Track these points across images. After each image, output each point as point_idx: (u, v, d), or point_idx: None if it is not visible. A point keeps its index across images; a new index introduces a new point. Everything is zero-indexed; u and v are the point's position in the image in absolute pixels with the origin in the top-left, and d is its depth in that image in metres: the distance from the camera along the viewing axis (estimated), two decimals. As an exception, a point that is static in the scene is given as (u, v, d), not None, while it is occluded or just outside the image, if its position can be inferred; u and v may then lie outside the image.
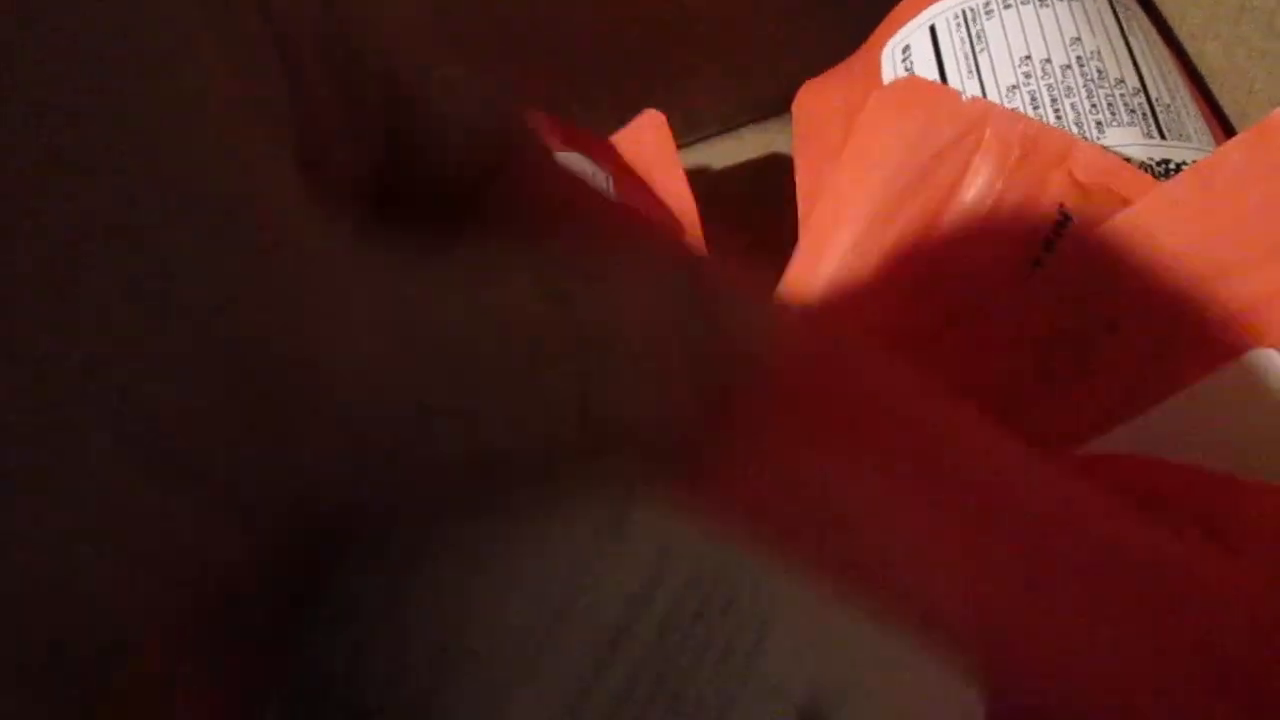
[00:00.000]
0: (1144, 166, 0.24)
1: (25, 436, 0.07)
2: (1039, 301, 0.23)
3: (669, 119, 0.32)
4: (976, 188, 0.25)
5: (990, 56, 0.26)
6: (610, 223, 0.13)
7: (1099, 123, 0.25)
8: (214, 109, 0.08)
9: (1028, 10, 0.26)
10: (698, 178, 0.31)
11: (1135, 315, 0.22)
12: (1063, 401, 0.22)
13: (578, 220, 0.12)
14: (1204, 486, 0.19)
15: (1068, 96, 0.25)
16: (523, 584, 0.09)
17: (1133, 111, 0.25)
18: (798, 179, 0.30)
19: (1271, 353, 0.19)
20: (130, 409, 0.07)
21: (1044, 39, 0.26)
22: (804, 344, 0.13)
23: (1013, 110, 0.25)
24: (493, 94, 0.12)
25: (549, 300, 0.09)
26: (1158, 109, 0.25)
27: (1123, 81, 0.26)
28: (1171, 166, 0.24)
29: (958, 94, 0.25)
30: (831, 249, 0.26)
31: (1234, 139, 0.22)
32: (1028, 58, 0.26)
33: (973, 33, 0.27)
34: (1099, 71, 0.26)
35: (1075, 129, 0.25)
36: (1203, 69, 0.29)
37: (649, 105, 0.32)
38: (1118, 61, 0.26)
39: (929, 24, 0.27)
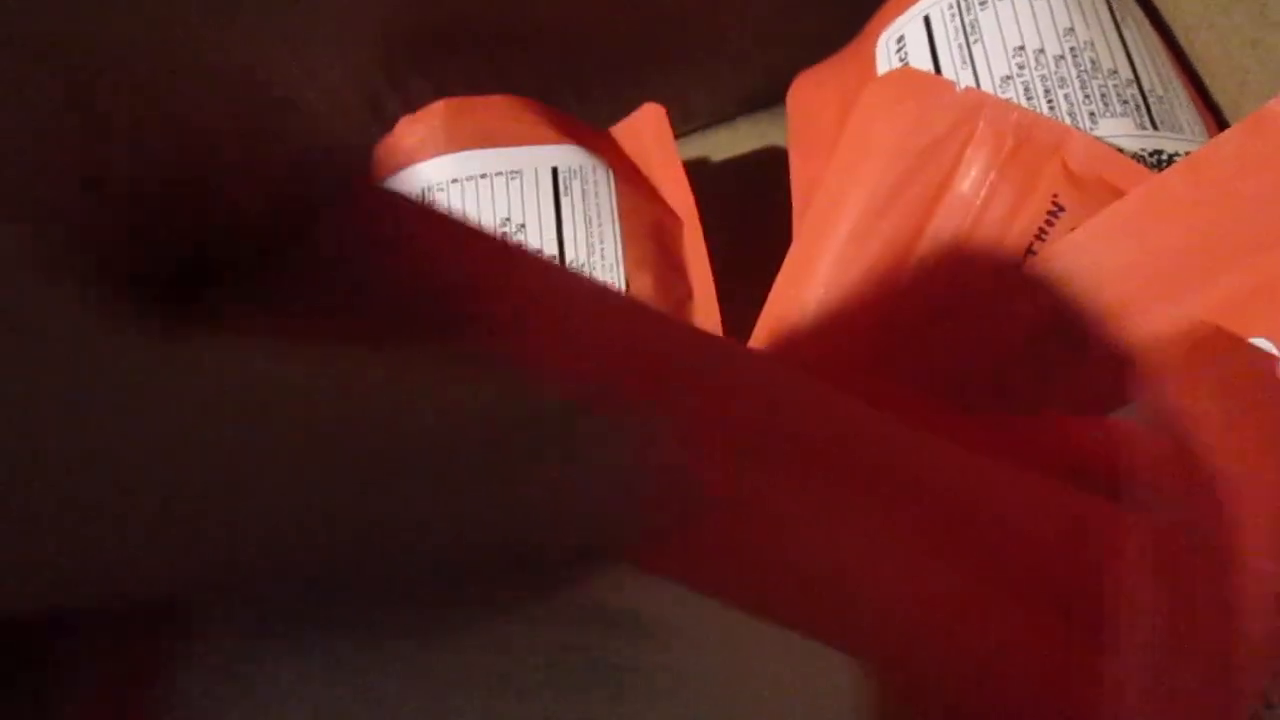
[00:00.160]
0: (1137, 157, 0.24)
1: None
2: (1030, 291, 0.23)
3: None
4: (970, 178, 0.25)
5: (984, 47, 0.26)
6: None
7: (1092, 113, 0.25)
8: None
9: (1021, 1, 0.26)
10: (692, 169, 0.31)
11: (1127, 305, 0.22)
12: (1055, 389, 0.22)
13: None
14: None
15: (1061, 87, 0.25)
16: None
17: (1125, 102, 0.25)
18: (792, 170, 0.30)
19: (1264, 342, 0.20)
20: None
21: (1037, 30, 0.26)
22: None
23: (1006, 100, 0.25)
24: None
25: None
26: (1150, 100, 0.26)
27: (1116, 72, 0.26)
28: (1164, 157, 0.24)
29: (952, 85, 0.25)
30: (827, 240, 0.26)
31: (1227, 130, 0.23)
32: (1021, 48, 0.26)
33: (966, 23, 0.27)
34: (1092, 62, 0.26)
35: (1068, 120, 0.25)
36: (1195, 60, 0.29)
37: (643, 96, 0.32)
38: (1111, 52, 0.26)
39: (923, 15, 0.27)
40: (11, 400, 0.07)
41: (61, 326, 0.07)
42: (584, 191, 0.29)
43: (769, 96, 0.36)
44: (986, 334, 0.23)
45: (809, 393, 0.14)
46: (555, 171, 0.29)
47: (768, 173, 0.33)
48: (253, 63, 0.09)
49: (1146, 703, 0.12)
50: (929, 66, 0.26)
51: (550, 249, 0.28)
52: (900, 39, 0.28)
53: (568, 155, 0.30)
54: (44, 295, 0.07)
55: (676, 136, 0.31)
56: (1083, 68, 0.25)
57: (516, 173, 0.29)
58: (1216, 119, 0.28)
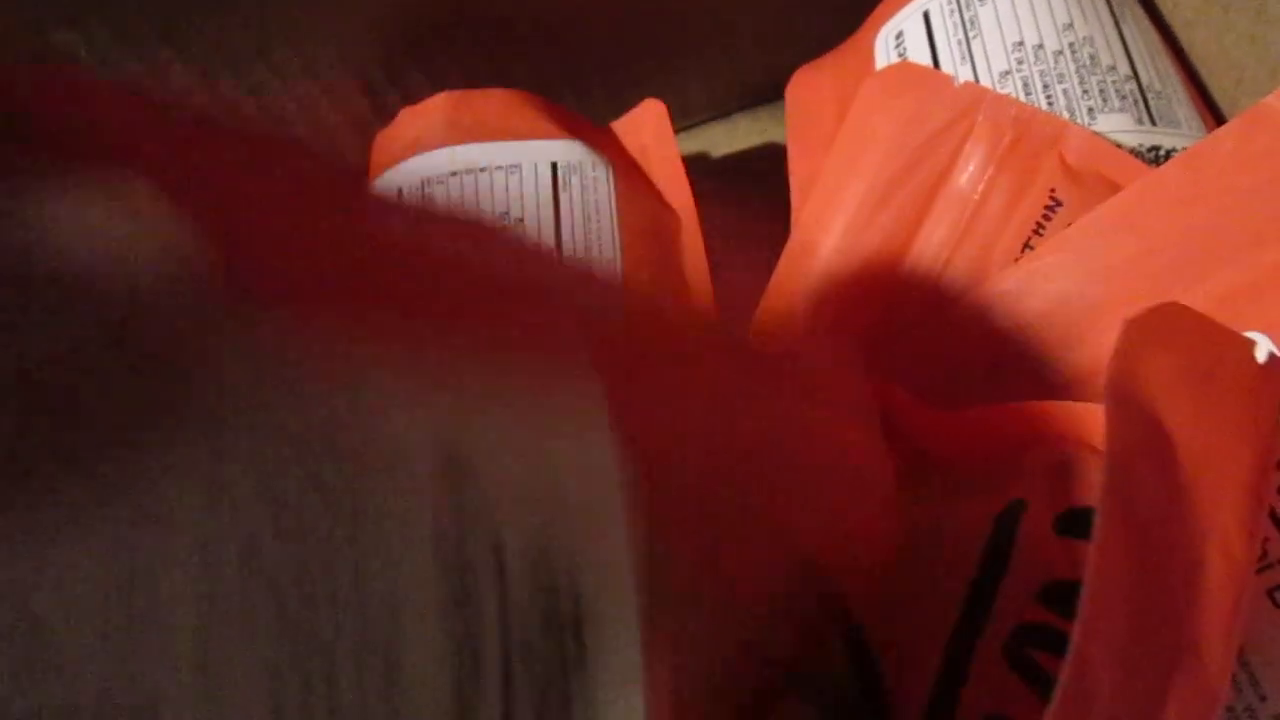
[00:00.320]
0: (1135, 152, 0.24)
1: None
2: (1026, 284, 0.23)
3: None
4: (969, 172, 0.25)
5: (983, 42, 0.26)
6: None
7: (1090, 109, 0.25)
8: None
9: (1020, -4, 0.26)
10: (691, 163, 0.31)
11: (1122, 299, 0.22)
12: (1050, 381, 0.22)
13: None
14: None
15: (1060, 82, 0.25)
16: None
17: (1124, 98, 0.25)
18: (790, 165, 0.30)
19: (1260, 337, 0.20)
20: None
21: (1036, 25, 0.26)
22: None
23: (1005, 95, 0.25)
24: None
25: None
26: (1149, 95, 0.26)
27: (1114, 68, 0.26)
28: (1162, 153, 0.24)
29: (950, 79, 0.25)
30: (825, 234, 0.26)
31: (1224, 126, 0.23)
32: (1020, 44, 0.26)
33: (966, 19, 0.27)
34: (1091, 58, 0.26)
35: (1067, 115, 0.25)
36: (1193, 56, 0.29)
37: (642, 91, 0.32)
38: (1109, 48, 0.26)
39: (922, 10, 0.27)
40: None
41: None
42: (583, 187, 0.29)
43: (768, 92, 0.36)
44: (983, 327, 0.23)
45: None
46: (554, 166, 0.29)
47: (766, 167, 0.33)
48: None
49: (1112, 676, 0.12)
50: (928, 62, 0.27)
51: (548, 243, 0.28)
52: (899, 34, 0.28)
53: (567, 150, 0.30)
54: None
55: (675, 131, 0.31)
56: (1081, 63, 0.26)
57: (516, 167, 0.29)
58: (1214, 114, 0.28)
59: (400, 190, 0.29)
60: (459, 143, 0.29)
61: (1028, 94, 0.25)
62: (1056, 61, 0.26)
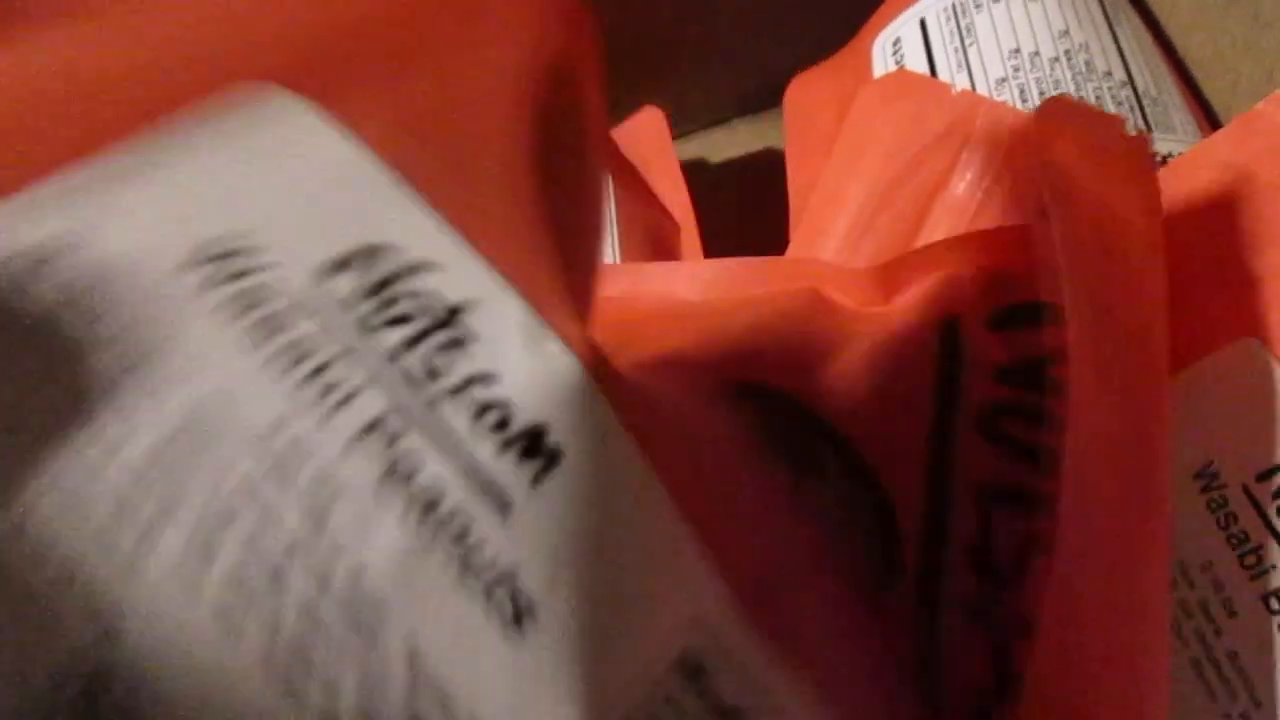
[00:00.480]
0: (1131, 158, 0.24)
1: None
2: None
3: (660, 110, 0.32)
4: (966, 179, 0.25)
5: (980, 50, 0.26)
6: None
7: (1087, 115, 0.25)
8: None
9: (1016, 4, 0.27)
10: (690, 169, 0.31)
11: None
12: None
13: None
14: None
15: (1056, 89, 0.25)
16: None
17: (1120, 104, 0.25)
18: (789, 172, 0.30)
19: (1254, 343, 0.20)
20: None
21: (1033, 32, 0.26)
22: None
23: (1001, 103, 0.25)
24: None
25: None
26: (1144, 101, 0.26)
27: (1110, 74, 0.26)
28: (1157, 159, 0.25)
29: (947, 87, 0.26)
30: (824, 241, 0.26)
31: (1219, 131, 0.23)
32: (1016, 51, 0.26)
33: (962, 26, 0.27)
34: (1087, 64, 0.26)
35: (1063, 122, 0.25)
36: (1189, 61, 0.30)
37: (640, 97, 0.33)
38: (1105, 55, 0.26)
39: (919, 17, 0.28)
40: None
41: None
42: (582, 193, 0.30)
43: (767, 98, 0.36)
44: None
45: None
46: (554, 173, 0.30)
47: (765, 174, 0.34)
48: None
49: (1105, 421, 0.14)
50: (925, 69, 0.27)
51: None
52: (897, 41, 0.28)
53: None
54: None
55: (674, 137, 0.31)
56: (1077, 70, 0.26)
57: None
58: (1209, 119, 0.28)
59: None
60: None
61: (1024, 101, 0.25)
62: (1053, 68, 0.26)
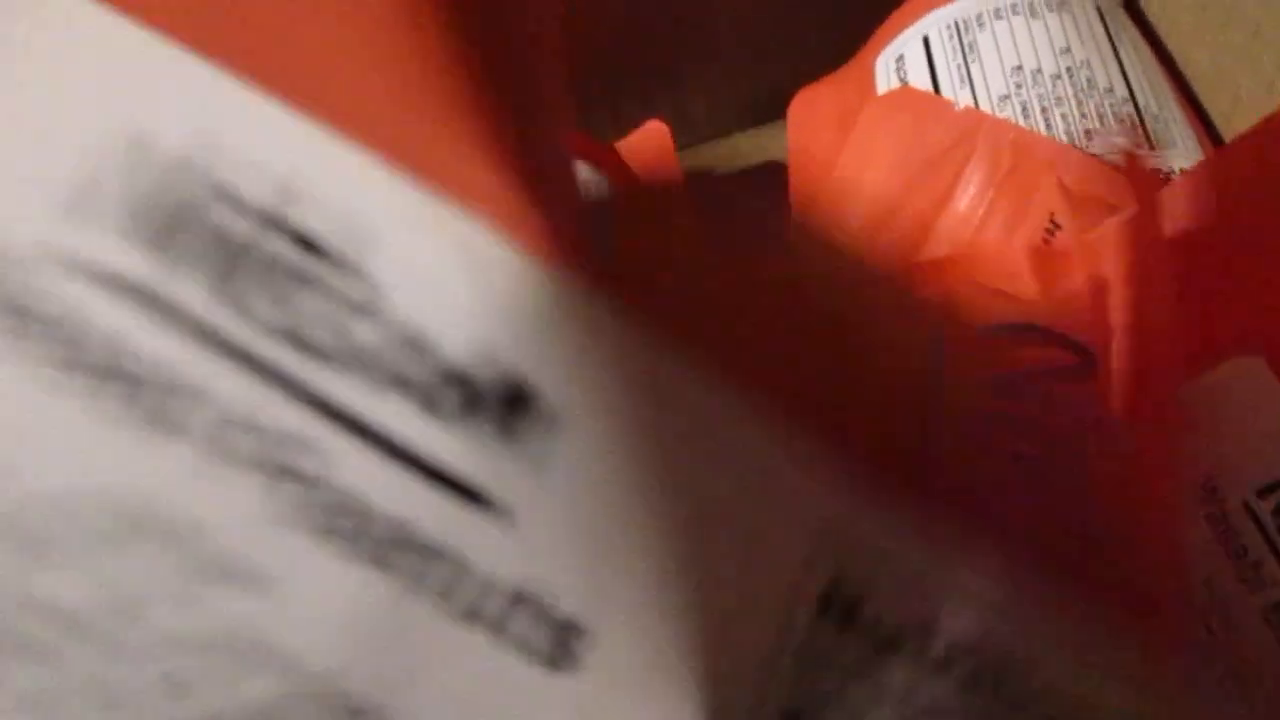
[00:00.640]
0: (1132, 174, 0.25)
1: None
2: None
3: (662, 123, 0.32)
4: (969, 195, 0.25)
5: (982, 67, 0.27)
6: None
7: (1088, 131, 0.25)
8: None
9: (1019, 21, 0.27)
10: (692, 182, 0.31)
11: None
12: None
13: None
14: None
15: (1058, 106, 0.26)
16: None
17: (1121, 120, 0.26)
18: (791, 186, 0.30)
19: (1256, 360, 0.20)
20: None
21: (1035, 50, 0.26)
22: None
23: (1004, 119, 0.25)
24: None
25: None
26: (1146, 117, 0.26)
27: (1112, 90, 0.26)
28: (1159, 175, 0.25)
29: (950, 104, 0.26)
30: (827, 256, 0.26)
31: (1221, 148, 0.23)
32: (1019, 68, 0.26)
33: (965, 43, 0.27)
34: (1088, 81, 0.26)
35: (1065, 137, 0.25)
36: (1189, 76, 0.30)
37: (643, 110, 0.33)
38: (1107, 71, 0.26)
39: (922, 35, 0.28)
40: None
41: None
42: (587, 206, 0.30)
43: (770, 111, 0.36)
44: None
45: None
46: (559, 187, 0.30)
47: (768, 187, 0.34)
48: None
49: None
50: (928, 85, 0.27)
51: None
52: (900, 58, 0.28)
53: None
54: None
55: (678, 149, 0.32)
56: (1079, 86, 0.26)
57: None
58: (1210, 134, 0.29)
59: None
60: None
61: (1026, 117, 0.26)
62: (1055, 85, 0.26)
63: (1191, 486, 0.19)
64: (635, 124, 0.33)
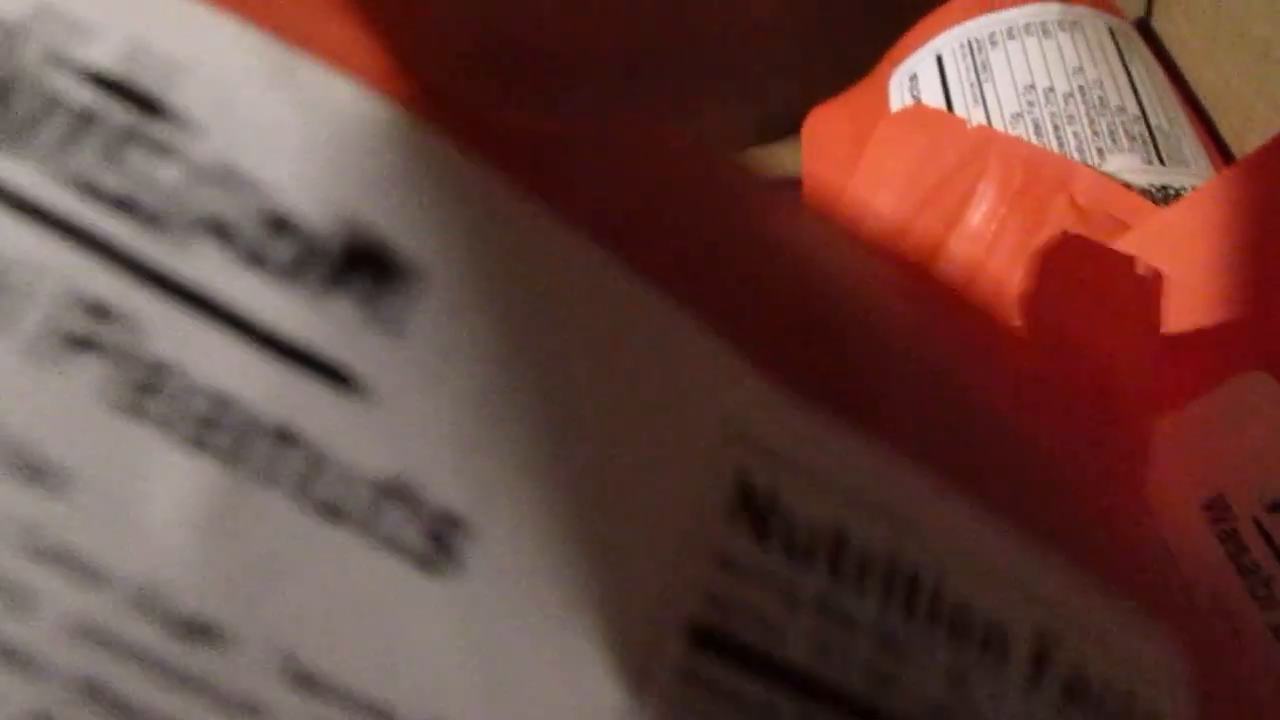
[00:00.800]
0: (1144, 192, 0.25)
1: None
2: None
3: (680, 141, 0.32)
4: (981, 212, 0.25)
5: (995, 85, 0.27)
6: None
7: (1100, 149, 0.26)
8: None
9: (1032, 41, 0.27)
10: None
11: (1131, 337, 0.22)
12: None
13: None
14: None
15: (1070, 124, 0.26)
16: None
17: (1133, 138, 0.26)
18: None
19: (1265, 376, 0.20)
20: None
21: (1047, 68, 0.27)
22: None
23: (1016, 137, 0.26)
24: None
25: None
26: (1157, 136, 0.26)
27: (1123, 109, 0.26)
28: (1171, 192, 0.25)
29: (963, 121, 0.26)
30: (840, 271, 0.26)
31: (1231, 165, 0.23)
32: (1031, 86, 0.27)
33: (978, 62, 0.27)
34: (1100, 99, 0.26)
35: (1077, 155, 0.25)
36: (1200, 95, 0.30)
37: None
38: (1118, 90, 0.27)
39: (935, 53, 0.28)
40: None
41: None
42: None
43: (785, 127, 0.37)
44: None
45: None
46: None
47: (782, 202, 0.34)
48: None
49: None
50: (941, 103, 0.27)
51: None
52: (914, 76, 0.28)
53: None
54: None
55: (694, 167, 0.32)
56: (1091, 104, 0.26)
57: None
58: (1221, 153, 0.29)
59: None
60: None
61: (1039, 135, 0.26)
62: (1067, 103, 0.26)
63: (1200, 503, 0.19)
64: (651, 139, 0.33)
